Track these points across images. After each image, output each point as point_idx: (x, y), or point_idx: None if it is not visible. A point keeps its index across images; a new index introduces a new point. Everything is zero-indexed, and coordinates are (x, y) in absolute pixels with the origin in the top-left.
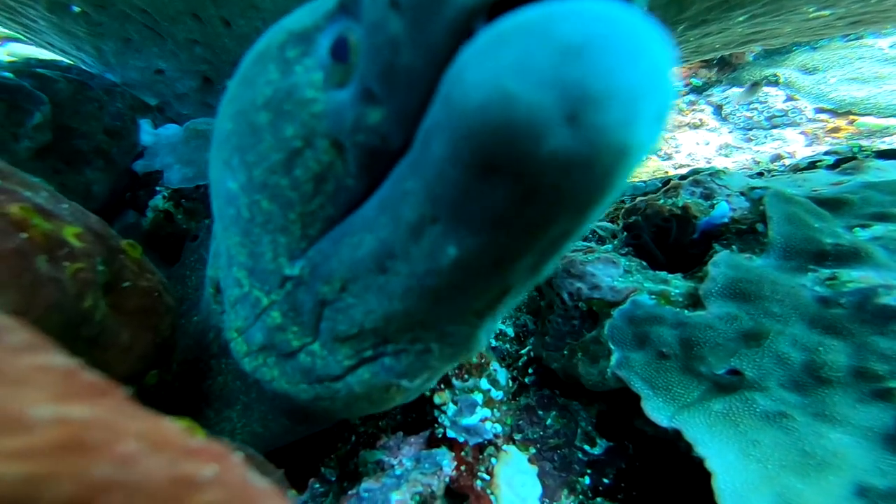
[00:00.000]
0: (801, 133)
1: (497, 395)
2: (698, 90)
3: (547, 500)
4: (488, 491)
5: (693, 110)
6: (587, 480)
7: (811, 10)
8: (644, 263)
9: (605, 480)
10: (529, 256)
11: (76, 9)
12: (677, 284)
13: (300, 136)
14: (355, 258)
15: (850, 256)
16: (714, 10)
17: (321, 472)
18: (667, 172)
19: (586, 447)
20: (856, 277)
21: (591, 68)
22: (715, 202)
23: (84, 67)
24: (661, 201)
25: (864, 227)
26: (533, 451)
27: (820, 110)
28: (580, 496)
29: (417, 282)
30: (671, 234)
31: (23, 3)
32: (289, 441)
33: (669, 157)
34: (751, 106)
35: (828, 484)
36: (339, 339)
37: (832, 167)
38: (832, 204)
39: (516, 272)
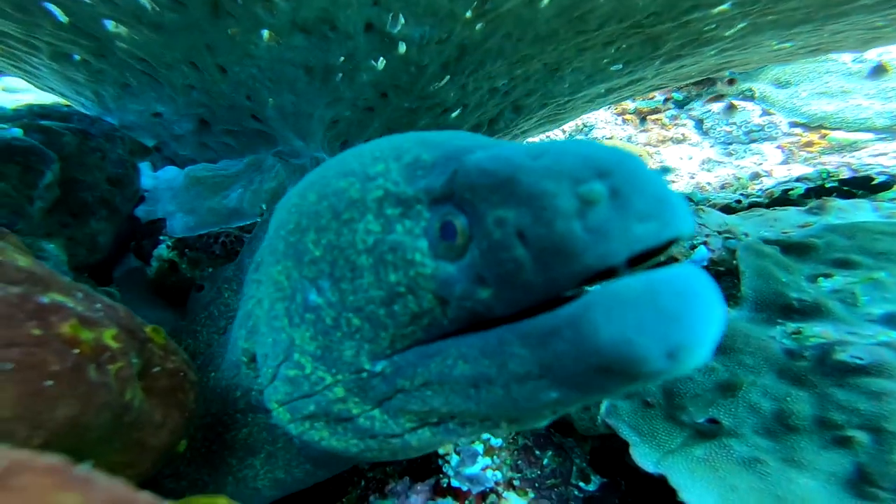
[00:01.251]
0: (778, 147)
1: (496, 442)
2: (680, 104)
3: None
4: None
5: (675, 125)
6: None
7: (774, 43)
8: None
9: None
10: None
11: (77, 57)
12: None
13: (404, 284)
14: (446, 374)
15: (813, 311)
16: (686, 47)
17: None
18: None
19: (581, 484)
20: (818, 332)
21: (685, 334)
22: (695, 243)
23: (83, 111)
24: None
25: (826, 276)
26: (532, 494)
27: (794, 124)
28: None
29: (512, 403)
30: None
31: (26, 52)
32: (307, 485)
33: None
34: (730, 121)
35: None
36: (406, 412)
37: (804, 196)
38: (800, 249)
39: (590, 402)
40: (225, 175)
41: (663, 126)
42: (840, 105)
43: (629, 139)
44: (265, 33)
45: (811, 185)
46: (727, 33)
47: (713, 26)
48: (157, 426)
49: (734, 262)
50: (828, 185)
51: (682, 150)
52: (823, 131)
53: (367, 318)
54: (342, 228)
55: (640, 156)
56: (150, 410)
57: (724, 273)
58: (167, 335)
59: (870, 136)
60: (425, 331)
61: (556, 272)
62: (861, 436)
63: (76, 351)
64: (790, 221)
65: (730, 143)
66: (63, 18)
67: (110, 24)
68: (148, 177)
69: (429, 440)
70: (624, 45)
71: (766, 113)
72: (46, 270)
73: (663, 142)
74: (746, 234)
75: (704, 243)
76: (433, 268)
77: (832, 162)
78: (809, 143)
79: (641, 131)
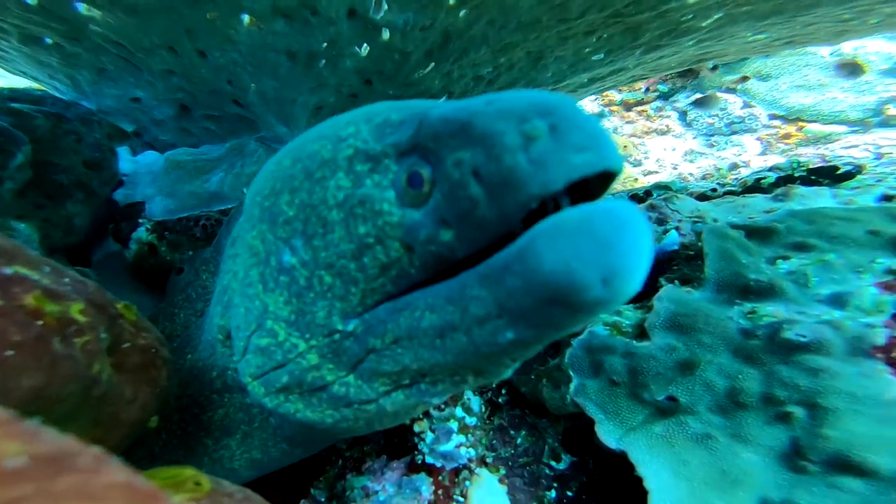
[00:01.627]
0: (757, 139)
1: (471, 420)
2: (665, 96)
3: None
4: None
5: (660, 116)
6: (553, 494)
7: (749, 34)
8: None
9: (569, 493)
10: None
11: (49, 41)
12: (629, 315)
13: (373, 235)
14: (414, 326)
15: (768, 291)
16: (665, 37)
17: (311, 493)
18: (637, 180)
19: (552, 463)
20: (770, 312)
21: (617, 260)
22: (668, 228)
23: (58, 95)
24: None
25: (784, 258)
26: (503, 471)
27: (773, 116)
28: None
29: (474, 348)
30: None
31: None
32: (284, 465)
33: (639, 164)
34: (712, 113)
35: (738, 500)
36: (379, 374)
37: (773, 185)
38: (763, 233)
39: (544, 343)
40: (206, 159)
41: (648, 117)
42: (817, 98)
43: (615, 130)
44: (245, 18)
45: (782, 173)
46: (704, 24)
47: (690, 16)
48: (127, 401)
49: (699, 244)
50: (796, 175)
51: (667, 141)
52: (801, 123)
53: (338, 274)
54: (314, 187)
55: (625, 147)
56: (121, 385)
57: (693, 257)
58: (139, 312)
59: (843, 128)
60: (394, 283)
61: (507, 203)
62: (798, 411)
63: (40, 322)
64: (757, 207)
65: (712, 135)
66: (31, 0)
67: (82, 7)
68: (127, 161)
69: (402, 403)
70: (605, 35)
71: (746, 105)
72: (13, 244)
73: (648, 133)
74: (716, 220)
75: (676, 228)
76: (400, 215)
77: (807, 153)
78: (787, 136)
79: (627, 122)
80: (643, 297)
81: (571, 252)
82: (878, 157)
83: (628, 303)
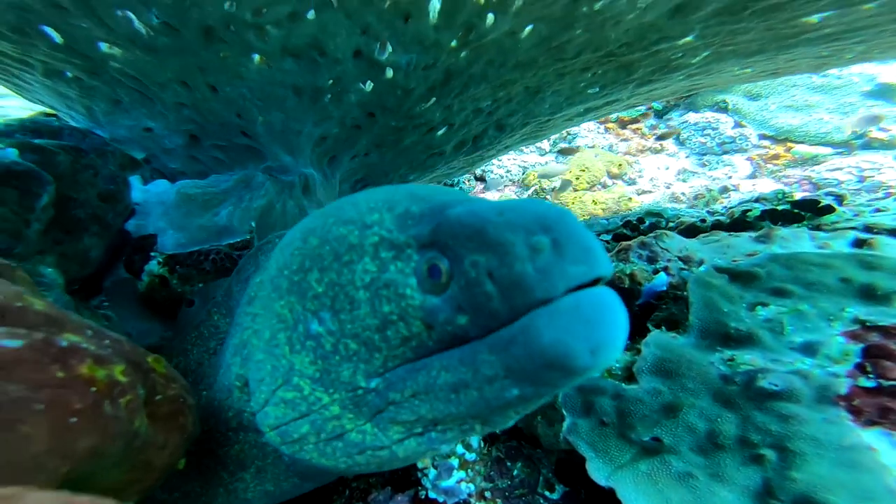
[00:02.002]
0: (748, 159)
1: (471, 456)
2: (659, 114)
3: None
4: None
5: (654, 134)
6: None
7: (736, 69)
8: None
9: None
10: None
11: (69, 74)
12: (619, 358)
13: (396, 314)
14: (431, 383)
15: (746, 340)
16: (657, 73)
17: None
18: (631, 199)
19: (547, 493)
20: (748, 360)
21: (600, 336)
22: (658, 267)
23: (72, 124)
24: (614, 264)
25: (763, 305)
26: (501, 503)
27: (763, 136)
28: None
29: (484, 402)
30: None
31: (20, 69)
32: (294, 496)
33: (634, 182)
34: (704, 132)
35: None
36: (396, 422)
37: (759, 218)
38: (745, 277)
39: (543, 399)
40: (214, 192)
41: (643, 136)
42: (804, 119)
43: (610, 148)
44: (256, 57)
45: (767, 205)
46: (693, 61)
47: (680, 55)
48: (160, 447)
49: (686, 292)
50: (780, 209)
51: (660, 160)
52: (789, 144)
53: (363, 343)
54: (343, 269)
55: (620, 165)
56: (154, 434)
57: (681, 297)
58: (167, 364)
59: (829, 150)
60: (414, 351)
61: (516, 301)
62: (770, 454)
63: (93, 389)
64: (740, 249)
65: (704, 154)
66: (59, 40)
67: (104, 46)
68: (138, 190)
69: (413, 450)
70: (599, 71)
71: (738, 125)
72: (58, 311)
73: (642, 151)
74: (702, 261)
75: (665, 269)
76: (421, 300)
77: (795, 175)
78: (776, 156)
79: (622, 140)
80: (633, 337)
81: (565, 329)
82: (861, 180)
83: None
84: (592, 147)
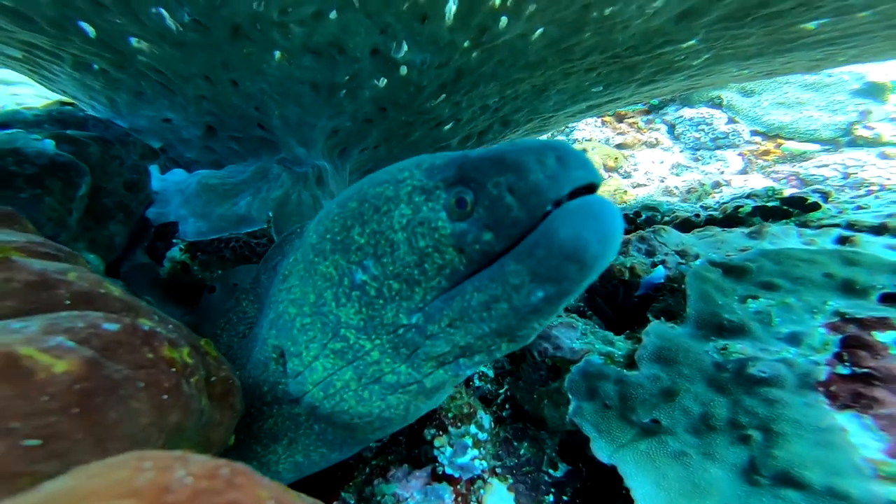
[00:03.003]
0: (739, 154)
1: (483, 436)
2: (655, 108)
3: None
4: None
5: (650, 128)
6: (551, 498)
7: (734, 70)
8: (596, 325)
9: (565, 498)
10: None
11: (97, 67)
12: (620, 346)
13: (431, 245)
14: (465, 306)
15: (738, 331)
16: (659, 74)
17: (342, 496)
18: (626, 192)
19: (550, 471)
20: (738, 349)
21: (605, 227)
22: (655, 261)
23: (93, 113)
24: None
25: (754, 298)
26: (511, 479)
27: (755, 132)
28: None
29: (514, 311)
30: (619, 296)
31: (49, 61)
32: (321, 468)
33: (629, 175)
34: (698, 127)
35: None
36: (430, 357)
37: (751, 214)
38: (738, 271)
39: (563, 302)
40: (234, 182)
41: (639, 129)
42: (795, 116)
43: (607, 141)
44: (277, 54)
45: (758, 201)
46: (694, 63)
47: (682, 57)
48: (216, 425)
49: (683, 285)
50: (770, 205)
51: (655, 154)
52: (779, 140)
53: (404, 280)
54: (382, 218)
55: (616, 159)
56: (212, 412)
57: (677, 290)
58: (216, 347)
59: (816, 147)
60: (448, 279)
61: (533, 205)
62: (756, 434)
63: (174, 369)
64: (733, 244)
65: (698, 149)
66: (92, 34)
67: (134, 41)
68: (156, 179)
69: (441, 378)
70: (604, 71)
71: (731, 121)
72: (131, 297)
73: (637, 145)
74: (698, 255)
75: (663, 262)
76: (451, 228)
77: (784, 171)
78: (766, 152)
79: (618, 133)
80: (637, 317)
81: (578, 224)
82: (845, 176)
83: (621, 324)
84: (590, 140)
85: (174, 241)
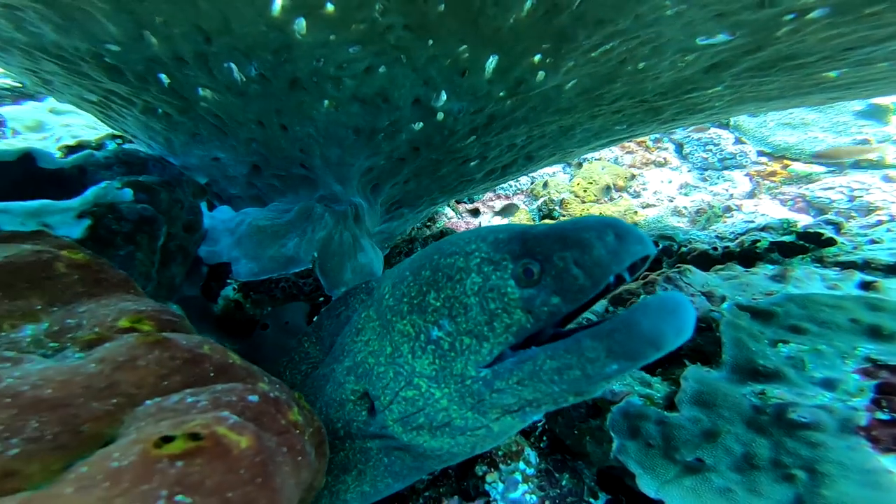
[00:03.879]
0: (746, 175)
1: (530, 471)
2: None
3: None
4: None
5: (658, 148)
6: None
7: (752, 108)
8: None
9: None
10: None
11: (160, 111)
12: (658, 388)
13: (500, 307)
14: (536, 370)
15: (773, 375)
16: (682, 114)
17: None
18: (636, 212)
19: (592, 500)
20: (777, 395)
21: (681, 322)
22: None
23: (148, 151)
24: (641, 297)
25: (784, 342)
26: None
27: (761, 153)
28: None
29: (586, 378)
30: None
31: (122, 105)
32: (383, 496)
33: (638, 195)
34: (706, 147)
35: None
36: (497, 407)
37: (768, 250)
38: (765, 315)
39: (634, 369)
40: (281, 224)
41: (647, 149)
42: (800, 137)
43: (616, 161)
44: (326, 102)
45: (775, 236)
46: (717, 104)
47: (706, 100)
48: (318, 472)
49: (713, 325)
50: (787, 240)
51: (664, 173)
52: (785, 161)
53: (475, 336)
54: (455, 285)
55: (626, 178)
56: (315, 461)
57: (705, 329)
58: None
59: (822, 168)
60: (515, 335)
61: (596, 275)
62: (801, 474)
63: (297, 431)
64: (758, 287)
65: (706, 169)
66: (166, 84)
67: (201, 90)
68: (206, 216)
69: (509, 424)
70: (629, 112)
71: (738, 141)
72: (247, 363)
73: (646, 164)
74: (724, 297)
75: (691, 299)
76: (520, 293)
77: (790, 192)
78: (773, 173)
79: (627, 153)
80: (664, 365)
81: (658, 318)
82: (851, 199)
83: (652, 373)
84: (599, 159)
85: (227, 280)
